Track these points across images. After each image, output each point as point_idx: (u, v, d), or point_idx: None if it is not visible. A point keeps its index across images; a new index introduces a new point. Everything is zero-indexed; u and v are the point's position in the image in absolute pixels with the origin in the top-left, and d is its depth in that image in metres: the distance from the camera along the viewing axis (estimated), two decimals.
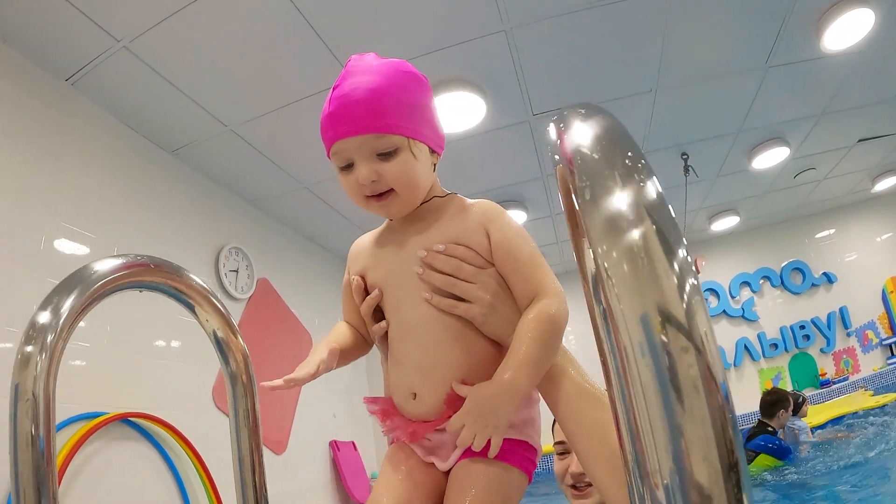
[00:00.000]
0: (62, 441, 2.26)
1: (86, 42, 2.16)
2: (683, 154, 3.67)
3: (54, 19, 2.03)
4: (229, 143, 2.89)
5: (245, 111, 2.69)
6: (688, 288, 0.31)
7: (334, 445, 3.96)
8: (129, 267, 0.84)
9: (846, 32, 2.66)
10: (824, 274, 5.75)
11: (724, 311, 5.91)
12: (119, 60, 2.27)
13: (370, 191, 0.74)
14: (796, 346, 5.68)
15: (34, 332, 0.72)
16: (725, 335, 5.83)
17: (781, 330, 5.73)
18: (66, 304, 0.75)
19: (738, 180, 4.39)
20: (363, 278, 0.84)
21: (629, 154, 0.38)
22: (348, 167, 0.74)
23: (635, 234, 0.33)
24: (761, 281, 5.91)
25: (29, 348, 0.72)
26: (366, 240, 0.87)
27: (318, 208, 3.78)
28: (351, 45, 2.33)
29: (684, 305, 0.30)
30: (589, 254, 0.34)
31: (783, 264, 5.88)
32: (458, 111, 2.81)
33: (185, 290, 0.94)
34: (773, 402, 3.58)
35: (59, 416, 2.19)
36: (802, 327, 5.66)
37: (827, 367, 5.58)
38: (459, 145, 3.13)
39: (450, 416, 0.74)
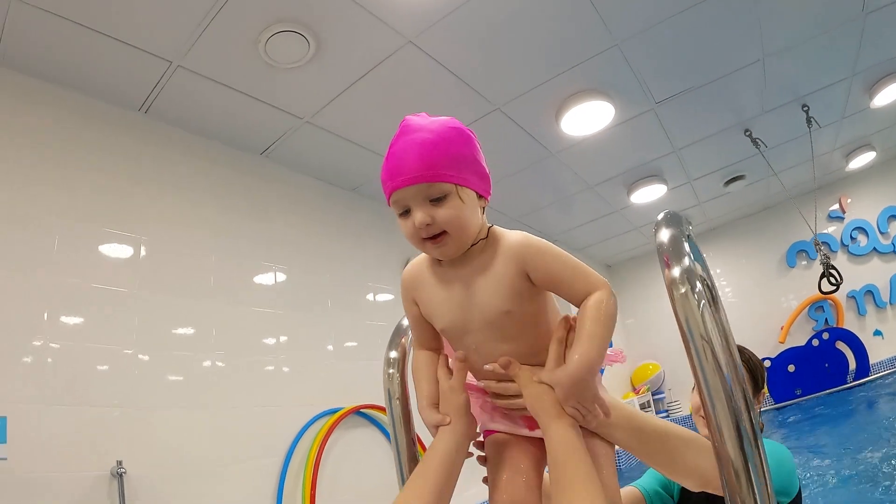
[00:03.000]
0: (315, 432, 2.95)
1: (273, 123, 2.98)
2: (804, 106, 3.87)
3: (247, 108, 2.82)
4: None
5: None
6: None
7: None
8: None
9: None
10: None
11: (874, 248, 5.74)
12: (304, 133, 3.09)
13: (426, 233, 0.80)
14: None
15: (391, 362, 1.18)
16: (878, 273, 5.68)
17: None
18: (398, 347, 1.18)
19: (865, 118, 4.40)
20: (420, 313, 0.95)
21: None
22: (406, 213, 0.81)
23: None
24: None
25: (390, 370, 1.16)
26: (417, 272, 0.94)
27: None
28: (490, 82, 2.94)
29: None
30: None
31: None
32: (591, 116, 3.31)
33: None
34: None
35: (310, 414, 2.98)
36: None
37: None
38: (596, 140, 3.65)
39: None
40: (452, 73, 2.81)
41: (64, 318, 2.23)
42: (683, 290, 0.73)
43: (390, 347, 1.20)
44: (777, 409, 5.73)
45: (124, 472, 2.19)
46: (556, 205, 4.81)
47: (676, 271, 0.75)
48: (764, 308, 6.19)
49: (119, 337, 2.37)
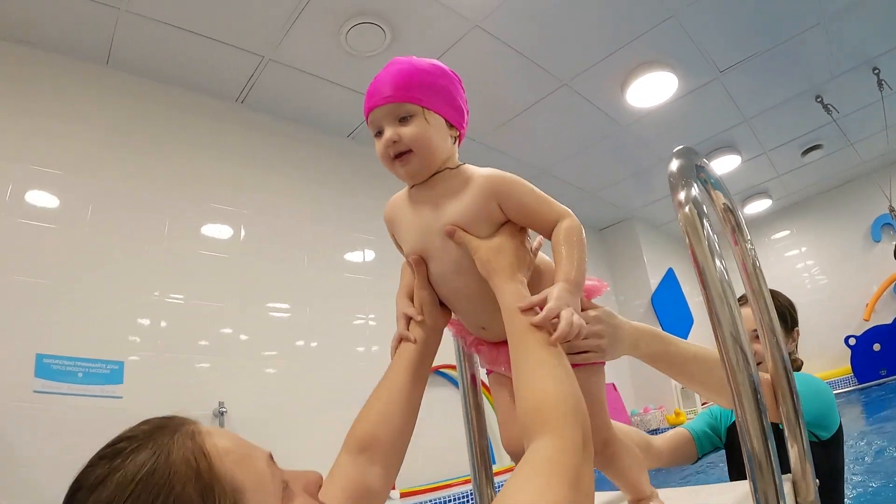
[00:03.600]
0: None
1: (356, 108, 3.24)
2: (874, 69, 3.71)
3: None
4: (484, 154, 3.90)
5: (486, 125, 3.63)
6: None
7: None
8: None
9: None
10: None
11: None
12: None
13: (393, 151, 0.84)
14: None
15: None
16: None
17: None
18: None
19: None
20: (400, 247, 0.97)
21: None
22: (379, 134, 0.85)
23: None
24: None
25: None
26: (392, 206, 0.96)
27: (556, 186, 4.64)
28: (555, 59, 3.07)
29: None
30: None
31: None
32: (656, 88, 3.37)
33: None
34: None
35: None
36: None
37: None
38: (665, 111, 3.70)
39: None
40: (518, 53, 2.97)
41: (175, 282, 2.63)
42: (688, 211, 0.84)
43: None
44: (861, 389, 5.51)
45: (225, 412, 2.57)
46: (633, 178, 4.85)
47: (682, 196, 0.85)
48: (848, 284, 5.93)
49: (222, 296, 2.75)
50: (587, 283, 0.92)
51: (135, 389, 2.38)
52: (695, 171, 0.90)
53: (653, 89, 3.38)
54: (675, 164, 0.90)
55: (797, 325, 1.63)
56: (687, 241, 0.86)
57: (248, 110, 3.15)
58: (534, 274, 0.89)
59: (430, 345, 0.94)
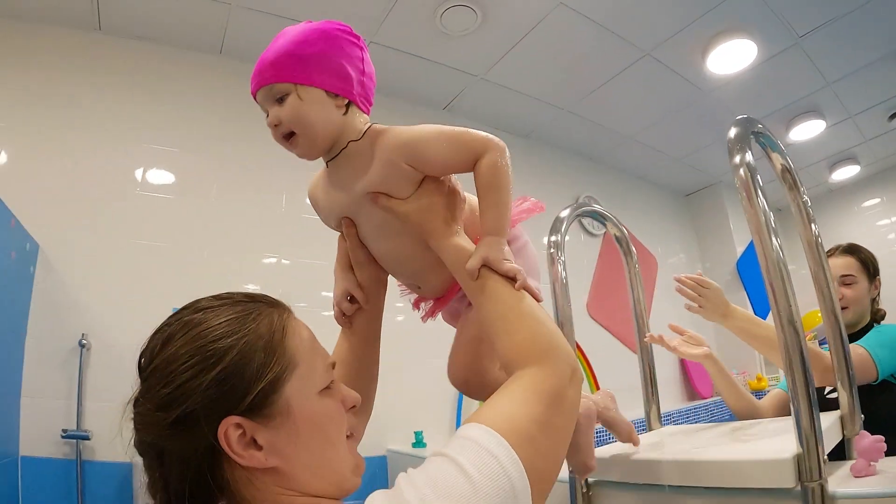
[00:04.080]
0: None
1: (451, 82, 3.58)
2: None
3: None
4: (568, 120, 4.16)
5: (572, 96, 3.86)
6: None
7: None
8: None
9: None
10: None
11: None
12: (478, 88, 3.64)
13: (278, 134, 0.82)
14: None
15: (553, 244, 1.42)
16: None
17: None
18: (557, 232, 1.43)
19: None
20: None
21: None
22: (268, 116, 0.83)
23: None
24: None
25: (552, 251, 1.42)
26: (313, 187, 0.98)
27: (642, 152, 4.86)
28: (635, 30, 3.23)
29: None
30: None
31: None
32: (735, 55, 3.46)
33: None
34: None
35: None
36: None
37: None
38: (746, 77, 3.76)
39: (457, 287, 0.90)
40: (601, 26, 3.16)
41: (290, 241, 3.10)
42: (742, 174, 1.03)
43: (551, 233, 1.43)
44: None
45: None
46: (717, 144, 4.87)
47: (737, 159, 1.05)
48: None
49: (323, 254, 3.17)
50: (525, 205, 0.99)
51: None
52: (751, 137, 1.13)
53: (733, 57, 3.46)
54: (732, 132, 1.09)
55: (878, 275, 1.84)
56: (743, 198, 1.04)
57: None
58: (469, 213, 0.90)
59: (377, 303, 0.97)
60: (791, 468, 0.92)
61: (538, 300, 0.80)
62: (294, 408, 0.63)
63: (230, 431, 0.59)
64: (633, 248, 1.65)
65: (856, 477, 1.00)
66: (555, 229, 1.42)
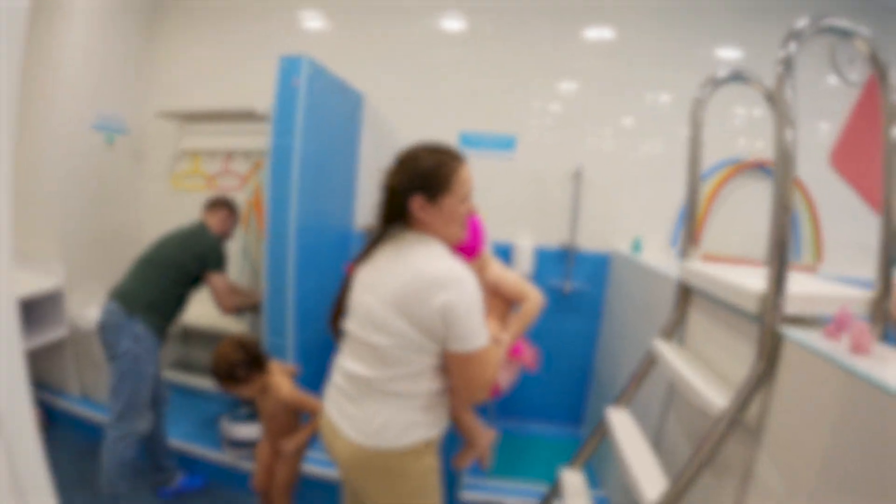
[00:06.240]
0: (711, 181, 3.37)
1: None
2: None
3: None
4: None
5: None
6: None
7: None
8: None
9: None
10: None
11: None
12: None
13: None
14: None
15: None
16: None
17: None
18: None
19: None
20: None
21: None
22: None
23: None
24: None
25: None
26: None
27: None
28: None
29: None
30: None
31: None
32: None
33: None
34: None
35: (713, 161, 3.36)
36: None
37: None
38: None
39: None
40: None
41: (561, 83, 3.59)
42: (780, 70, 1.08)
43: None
44: None
45: (582, 172, 3.56)
46: None
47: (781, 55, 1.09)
48: None
49: (605, 101, 3.59)
50: (518, 346, 1.70)
51: (526, 154, 3.65)
52: (802, 33, 1.12)
53: None
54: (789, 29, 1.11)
55: None
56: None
57: None
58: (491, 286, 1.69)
59: None
60: None
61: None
62: (446, 203, 1.33)
63: (417, 199, 1.32)
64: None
65: (824, 338, 1.11)
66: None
